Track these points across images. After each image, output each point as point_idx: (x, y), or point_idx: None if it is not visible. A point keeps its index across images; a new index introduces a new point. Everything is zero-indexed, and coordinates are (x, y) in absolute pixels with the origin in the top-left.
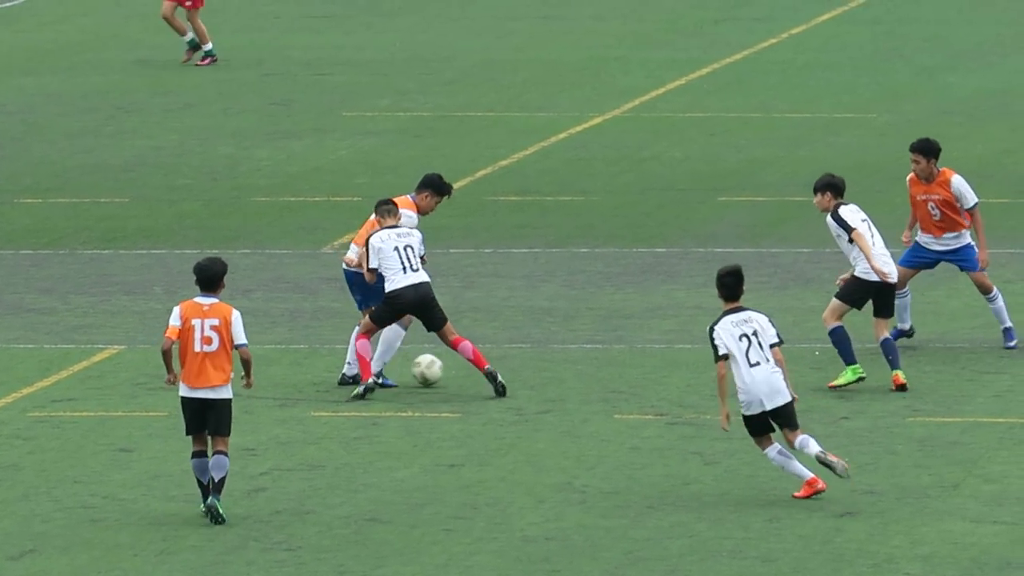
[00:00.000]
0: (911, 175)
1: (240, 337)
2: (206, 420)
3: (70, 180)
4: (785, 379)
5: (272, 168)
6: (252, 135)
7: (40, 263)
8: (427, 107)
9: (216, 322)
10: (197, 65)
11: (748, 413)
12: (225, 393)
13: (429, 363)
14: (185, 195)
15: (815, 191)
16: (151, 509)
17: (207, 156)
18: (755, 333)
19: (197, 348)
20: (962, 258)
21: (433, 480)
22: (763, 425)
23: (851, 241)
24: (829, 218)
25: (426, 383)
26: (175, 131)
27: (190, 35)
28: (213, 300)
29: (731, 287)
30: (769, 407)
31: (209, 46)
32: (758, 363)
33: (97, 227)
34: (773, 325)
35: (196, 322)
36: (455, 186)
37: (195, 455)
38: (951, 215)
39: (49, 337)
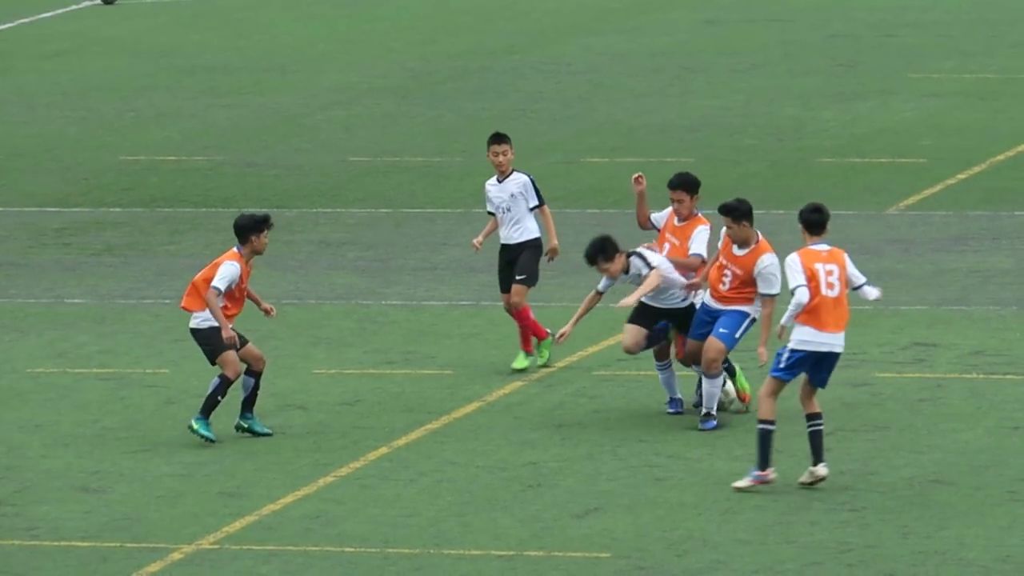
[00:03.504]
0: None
1: None
2: None
3: (636, 140)
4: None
5: (838, 129)
6: (817, 96)
7: (605, 222)
8: (993, 69)
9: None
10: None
11: None
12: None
13: None
14: (750, 156)
15: None
16: (715, 469)
17: (773, 117)
18: None
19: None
20: None
21: (997, 442)
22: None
23: None
24: None
25: None
26: (741, 92)
27: None
28: None
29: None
30: None
31: None
32: None
33: (664, 187)
34: None
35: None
36: (1022, 148)
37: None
38: None
39: (615, 296)
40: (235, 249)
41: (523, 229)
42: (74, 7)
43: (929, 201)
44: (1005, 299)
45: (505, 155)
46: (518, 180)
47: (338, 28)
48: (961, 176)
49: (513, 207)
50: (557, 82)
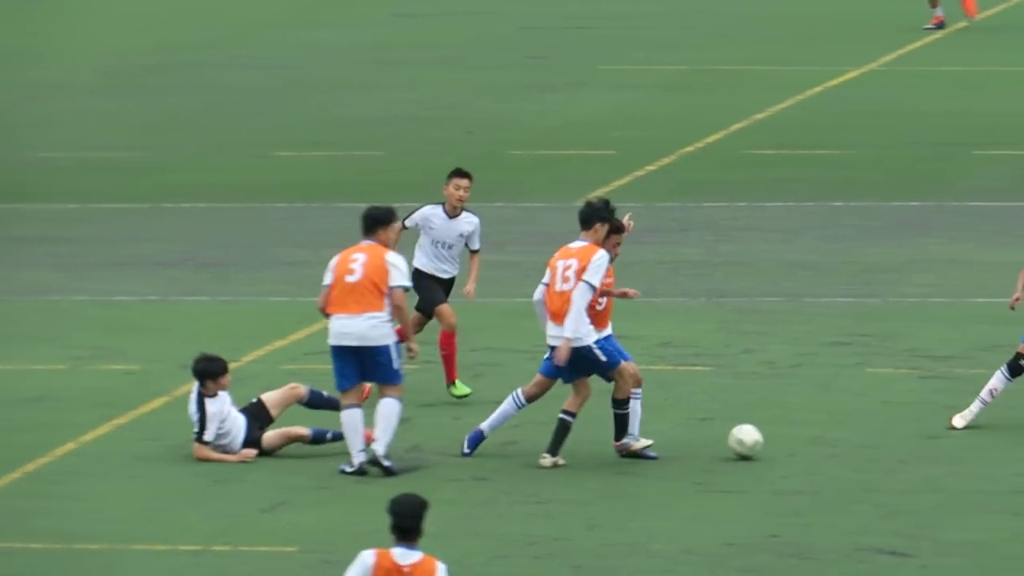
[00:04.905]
0: None
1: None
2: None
3: (328, 133)
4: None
5: (530, 122)
6: (510, 89)
7: (295, 216)
8: (684, 61)
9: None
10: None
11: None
12: None
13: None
14: (441, 149)
15: None
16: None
17: (464, 110)
18: None
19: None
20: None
21: (686, 434)
22: None
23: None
24: None
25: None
26: (432, 85)
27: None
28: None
29: None
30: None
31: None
32: None
33: (356, 180)
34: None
35: None
36: (711, 140)
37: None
38: None
39: (304, 290)
40: None
41: (455, 265)
42: None
43: (618, 192)
44: (693, 290)
45: (467, 191)
46: (471, 221)
47: (30, 23)
48: (650, 167)
49: (456, 245)
50: (251, 77)
